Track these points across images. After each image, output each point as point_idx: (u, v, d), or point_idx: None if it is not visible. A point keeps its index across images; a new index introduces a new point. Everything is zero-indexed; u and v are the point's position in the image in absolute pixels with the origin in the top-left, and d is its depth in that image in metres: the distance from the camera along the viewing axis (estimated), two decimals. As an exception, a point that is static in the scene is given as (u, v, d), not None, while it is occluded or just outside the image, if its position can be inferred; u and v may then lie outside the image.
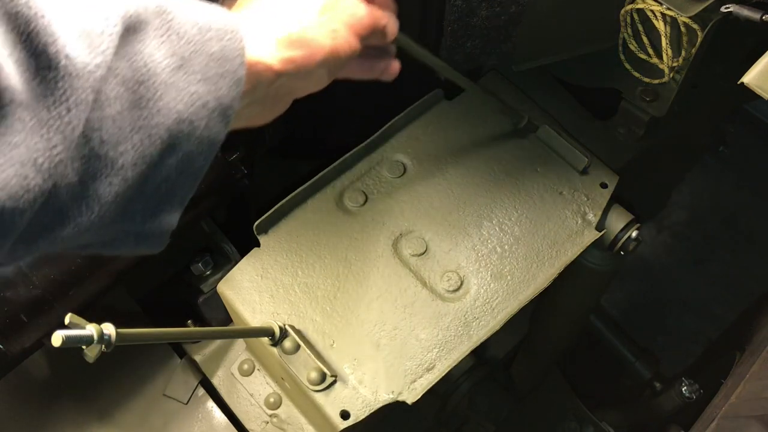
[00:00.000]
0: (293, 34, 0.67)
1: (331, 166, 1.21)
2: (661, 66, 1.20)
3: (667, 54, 1.17)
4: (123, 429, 1.30)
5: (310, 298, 1.11)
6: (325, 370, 1.03)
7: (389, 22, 0.79)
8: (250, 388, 1.32)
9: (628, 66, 1.25)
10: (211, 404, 1.32)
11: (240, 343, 1.35)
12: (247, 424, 1.30)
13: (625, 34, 1.22)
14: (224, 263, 1.40)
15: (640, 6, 1.15)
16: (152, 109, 0.52)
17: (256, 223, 1.16)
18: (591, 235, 1.18)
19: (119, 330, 0.70)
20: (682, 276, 2.37)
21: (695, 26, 1.11)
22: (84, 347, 0.67)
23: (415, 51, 0.93)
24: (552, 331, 1.63)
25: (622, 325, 2.11)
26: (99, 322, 0.69)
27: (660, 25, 1.14)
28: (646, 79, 1.25)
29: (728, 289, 2.33)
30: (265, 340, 1.06)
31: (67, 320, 0.68)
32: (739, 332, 1.72)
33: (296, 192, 1.18)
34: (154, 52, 0.53)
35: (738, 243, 2.38)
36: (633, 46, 1.21)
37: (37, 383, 1.33)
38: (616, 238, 1.22)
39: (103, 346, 0.68)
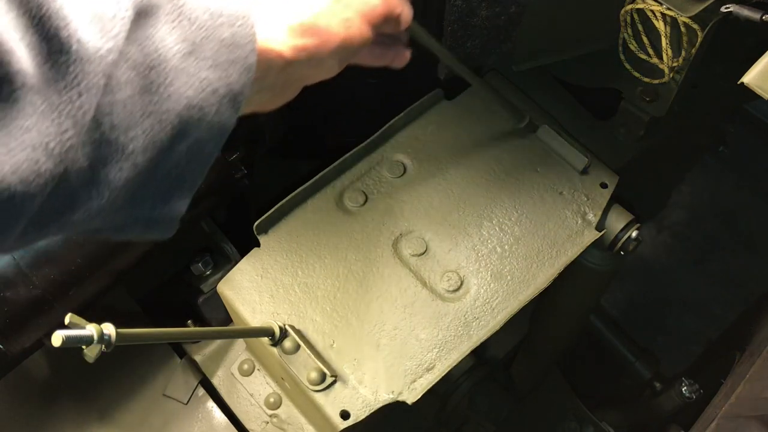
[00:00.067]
0: (306, 21, 0.66)
1: (331, 166, 1.21)
2: (661, 66, 1.20)
3: (667, 54, 1.17)
4: (123, 429, 1.30)
5: (310, 298, 1.11)
6: (325, 370, 1.03)
7: (404, 10, 0.79)
8: (250, 388, 1.32)
9: (628, 66, 1.25)
10: (211, 404, 1.32)
11: (240, 343, 1.35)
12: (247, 424, 1.30)
13: (625, 34, 1.22)
14: (224, 263, 1.40)
15: (640, 6, 1.15)
16: (163, 94, 0.52)
17: (256, 223, 1.16)
18: (591, 235, 1.18)
19: (119, 330, 0.70)
20: (682, 276, 2.37)
21: (695, 26, 1.11)
22: (84, 347, 0.67)
23: (427, 41, 0.93)
24: (552, 331, 1.63)
25: (622, 325, 2.11)
26: (99, 322, 0.69)
27: (660, 25, 1.14)
28: (646, 79, 1.25)
29: (728, 289, 2.32)
30: (265, 340, 1.06)
31: (67, 320, 0.68)
32: (739, 332, 1.72)
33: (296, 192, 1.18)
34: (166, 37, 0.53)
35: (738, 243, 2.38)
36: (633, 46, 1.21)
37: (37, 383, 1.33)
38: (616, 238, 1.22)
39: (103, 346, 0.68)
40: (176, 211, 0.61)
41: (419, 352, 1.07)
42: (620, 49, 1.25)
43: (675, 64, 1.18)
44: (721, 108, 1.83)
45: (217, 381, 1.34)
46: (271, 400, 1.29)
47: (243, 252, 1.17)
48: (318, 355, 1.06)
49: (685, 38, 1.13)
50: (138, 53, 0.51)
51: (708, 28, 1.10)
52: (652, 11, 1.14)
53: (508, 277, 1.13)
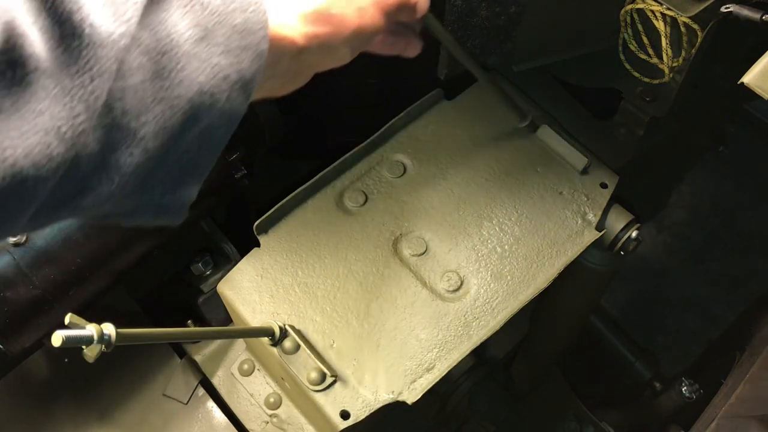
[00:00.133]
0: (319, 9, 0.66)
1: (331, 166, 1.21)
2: (661, 66, 1.20)
3: (667, 54, 1.17)
4: (123, 429, 1.30)
5: (310, 298, 1.11)
6: (325, 370, 1.03)
7: None
8: (250, 388, 1.32)
9: (628, 66, 1.25)
10: (211, 404, 1.32)
11: (240, 343, 1.35)
12: (247, 424, 1.30)
13: (625, 34, 1.22)
14: (224, 263, 1.40)
15: (640, 6, 1.15)
16: (174, 80, 0.52)
17: (256, 223, 1.16)
18: (591, 235, 1.18)
19: (119, 330, 0.70)
20: (682, 276, 2.37)
21: (695, 26, 1.11)
22: (84, 347, 0.67)
23: (440, 32, 0.93)
24: (552, 331, 1.63)
25: (622, 325, 2.11)
26: (99, 322, 0.69)
27: (660, 25, 1.14)
28: (646, 79, 1.25)
29: (728, 289, 2.32)
30: (265, 340, 1.06)
31: (67, 320, 0.68)
32: (739, 332, 1.72)
33: (296, 192, 1.18)
34: (178, 22, 0.53)
35: (738, 243, 2.38)
36: (633, 46, 1.21)
37: (37, 383, 1.33)
38: (616, 238, 1.22)
39: (103, 346, 0.68)
40: (186, 197, 0.61)
41: (419, 352, 1.07)
42: (620, 49, 1.25)
43: (675, 64, 1.18)
44: (721, 108, 1.83)
45: (217, 381, 1.34)
46: (271, 400, 1.29)
47: (243, 252, 1.17)
48: (318, 355, 1.06)
49: (685, 38, 1.13)
50: (150, 38, 0.51)
51: (708, 28, 1.10)
52: (652, 11, 1.14)
53: (508, 277, 1.13)
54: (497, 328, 1.09)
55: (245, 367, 1.32)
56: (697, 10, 1.03)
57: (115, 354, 0.72)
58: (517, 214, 1.19)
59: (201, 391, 1.32)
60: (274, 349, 1.06)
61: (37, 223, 0.52)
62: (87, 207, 0.53)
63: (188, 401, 1.32)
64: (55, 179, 0.48)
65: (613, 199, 1.22)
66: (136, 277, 1.29)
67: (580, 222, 1.19)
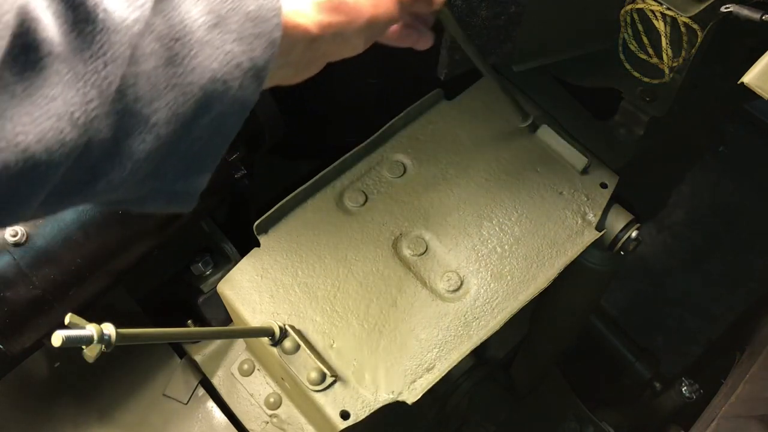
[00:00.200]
0: None
1: (331, 166, 1.21)
2: (661, 66, 1.20)
3: (667, 54, 1.17)
4: (123, 429, 1.30)
5: (310, 298, 1.11)
6: (325, 370, 1.03)
7: None
8: (250, 388, 1.32)
9: (628, 66, 1.25)
10: (211, 404, 1.32)
11: (240, 343, 1.35)
12: (247, 424, 1.30)
13: (625, 34, 1.22)
14: (224, 263, 1.40)
15: (640, 6, 1.15)
16: (187, 66, 0.52)
17: (256, 223, 1.16)
18: (591, 235, 1.18)
19: (119, 330, 0.70)
20: (682, 276, 2.37)
21: (695, 26, 1.11)
22: (84, 347, 0.67)
23: (453, 27, 0.92)
24: (552, 331, 1.63)
25: (622, 325, 2.11)
26: (99, 322, 0.69)
27: (660, 25, 1.14)
28: (646, 79, 1.25)
29: (728, 289, 2.32)
30: (265, 340, 1.06)
31: (67, 320, 0.68)
32: (739, 332, 1.72)
33: (296, 192, 1.18)
34: (191, 9, 0.52)
35: (738, 243, 2.38)
36: (633, 46, 1.21)
37: (37, 383, 1.33)
38: (616, 238, 1.22)
39: (103, 346, 0.68)
40: (197, 185, 0.61)
41: (419, 352, 1.07)
42: (620, 49, 1.25)
43: (675, 64, 1.18)
44: (721, 108, 1.83)
45: (217, 381, 1.34)
46: (271, 400, 1.29)
47: (243, 252, 1.17)
48: (318, 355, 1.06)
49: (685, 38, 1.13)
50: (163, 24, 0.51)
51: (708, 28, 1.10)
52: (652, 11, 1.14)
53: (508, 277, 1.13)
54: (497, 328, 1.09)
55: (245, 367, 1.32)
56: (697, 10, 1.03)
57: (115, 354, 0.72)
58: (517, 214, 1.19)
59: (201, 391, 1.32)
60: (274, 349, 1.06)
61: (48, 209, 0.52)
62: (99, 193, 0.53)
63: (188, 401, 1.32)
64: (67, 165, 0.48)
65: (613, 199, 1.22)
66: (136, 277, 1.29)
67: (580, 222, 1.19)
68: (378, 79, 1.62)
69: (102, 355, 0.69)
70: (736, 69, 0.90)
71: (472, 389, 1.49)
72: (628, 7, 1.17)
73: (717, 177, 2.44)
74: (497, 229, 1.18)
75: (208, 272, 1.39)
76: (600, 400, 1.96)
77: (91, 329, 0.67)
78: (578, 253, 1.16)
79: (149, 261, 1.26)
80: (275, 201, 1.17)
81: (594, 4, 1.24)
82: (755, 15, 0.96)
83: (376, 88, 1.64)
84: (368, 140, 1.24)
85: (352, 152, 1.23)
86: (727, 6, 0.99)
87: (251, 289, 1.13)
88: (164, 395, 1.32)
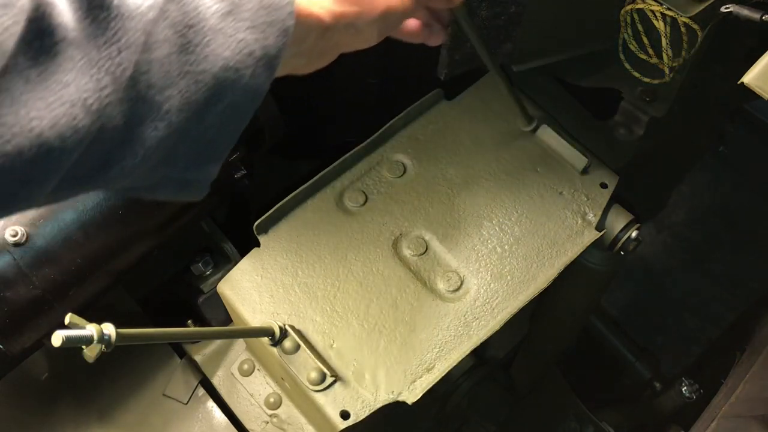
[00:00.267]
0: None
1: (331, 166, 1.21)
2: (661, 66, 1.20)
3: (667, 54, 1.17)
4: (123, 429, 1.30)
5: (310, 298, 1.11)
6: (325, 370, 1.03)
7: None
8: (250, 388, 1.32)
9: (628, 66, 1.25)
10: (211, 404, 1.32)
11: (240, 343, 1.35)
12: (247, 424, 1.30)
13: (625, 34, 1.22)
14: (224, 263, 1.40)
15: (640, 6, 1.15)
16: (199, 54, 0.52)
17: (256, 223, 1.16)
18: (591, 235, 1.18)
19: (119, 330, 0.70)
20: (682, 276, 2.37)
21: (695, 26, 1.11)
22: (84, 347, 0.67)
23: (467, 26, 0.92)
24: (552, 331, 1.63)
25: (622, 325, 2.11)
26: (99, 322, 0.69)
27: (660, 25, 1.14)
28: (646, 79, 1.25)
29: (728, 289, 2.32)
30: (265, 340, 1.06)
31: (67, 320, 0.68)
32: (739, 332, 1.72)
33: (296, 192, 1.18)
34: None
35: (738, 243, 2.38)
36: (633, 46, 1.21)
37: (37, 383, 1.33)
38: (616, 238, 1.22)
39: (103, 346, 0.68)
40: (208, 173, 0.60)
41: (419, 352, 1.07)
42: (620, 49, 1.25)
43: (675, 64, 1.18)
44: (721, 108, 1.83)
45: (217, 381, 1.34)
46: (271, 400, 1.29)
47: (243, 252, 1.17)
48: (318, 355, 1.06)
49: (685, 38, 1.13)
50: (177, 11, 0.51)
51: (708, 28, 1.10)
52: (652, 11, 1.14)
53: (508, 277, 1.13)
54: (497, 328, 1.09)
55: (245, 367, 1.32)
56: (697, 10, 1.03)
57: (115, 354, 0.72)
58: (517, 214, 1.19)
59: (201, 391, 1.32)
60: (274, 349, 1.06)
61: (60, 195, 0.52)
62: (111, 180, 0.53)
63: (188, 401, 1.32)
64: (80, 151, 0.48)
65: (613, 199, 1.22)
66: (136, 277, 1.29)
67: (580, 222, 1.19)
68: (378, 78, 1.62)
69: (102, 355, 0.69)
70: (736, 69, 0.90)
71: (472, 389, 1.49)
72: (628, 7, 1.17)
73: (717, 177, 2.44)
74: (497, 229, 1.18)
75: (208, 272, 1.39)
76: (600, 400, 1.96)
77: (91, 329, 0.67)
78: (578, 253, 1.16)
79: (149, 261, 1.26)
80: (275, 201, 1.17)
81: (594, 4, 1.24)
82: (755, 15, 0.96)
83: (376, 88, 1.63)
84: (368, 140, 1.24)
85: (352, 152, 1.23)
86: (727, 6, 0.99)
87: (251, 289, 1.13)
88: (164, 395, 1.32)
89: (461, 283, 1.13)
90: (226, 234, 1.42)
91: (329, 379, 1.04)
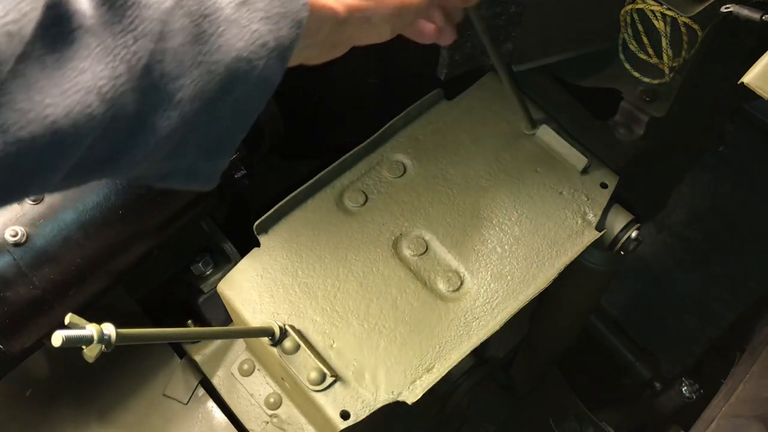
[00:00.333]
0: None
1: (331, 166, 1.21)
2: (661, 66, 1.20)
3: (667, 54, 1.17)
4: (123, 429, 1.30)
5: (310, 298, 1.11)
6: (325, 370, 1.03)
7: None
8: (250, 388, 1.32)
9: (628, 66, 1.25)
10: (211, 404, 1.32)
11: (240, 343, 1.35)
12: (247, 424, 1.30)
13: (625, 34, 1.22)
14: (224, 263, 1.40)
15: (640, 6, 1.15)
16: (213, 45, 0.52)
17: (256, 223, 1.16)
18: (591, 235, 1.18)
19: (119, 330, 0.70)
20: (682, 276, 2.37)
21: (695, 26, 1.11)
22: (84, 347, 0.67)
23: (479, 26, 0.92)
24: (552, 331, 1.63)
25: (622, 325, 2.11)
26: (99, 322, 0.69)
27: (660, 25, 1.14)
28: (646, 79, 1.25)
29: (728, 289, 2.32)
30: (265, 340, 1.06)
31: (67, 320, 0.68)
32: (739, 332, 1.72)
33: (296, 192, 1.18)
34: None
35: (738, 243, 2.38)
36: (633, 46, 1.21)
37: (37, 383, 1.33)
38: (616, 238, 1.22)
39: (103, 346, 0.68)
40: (219, 164, 0.60)
41: (419, 352, 1.07)
42: (620, 49, 1.25)
43: (675, 64, 1.18)
44: (721, 108, 1.83)
45: (217, 381, 1.34)
46: (271, 400, 1.29)
47: (243, 252, 1.17)
48: (318, 355, 1.06)
49: (685, 38, 1.13)
50: (193, 1, 0.51)
51: (708, 28, 1.10)
52: (652, 11, 1.14)
53: (508, 277, 1.13)
54: (497, 328, 1.09)
55: (245, 367, 1.32)
56: (697, 10, 1.03)
57: (115, 354, 0.72)
58: (517, 214, 1.19)
59: (201, 391, 1.32)
60: (274, 349, 1.06)
61: (71, 182, 0.52)
62: (121, 168, 0.53)
63: (188, 401, 1.31)
64: (92, 139, 0.48)
65: (613, 199, 1.22)
66: (136, 277, 1.29)
67: (580, 222, 1.19)
68: (378, 78, 1.62)
69: (102, 355, 0.69)
70: (736, 69, 0.90)
71: (472, 389, 1.48)
72: (628, 7, 1.17)
73: (717, 177, 2.44)
74: (497, 229, 1.18)
75: (208, 272, 1.39)
76: (600, 400, 1.96)
77: (91, 329, 0.67)
78: (578, 253, 1.16)
79: (149, 261, 1.26)
80: (275, 201, 1.17)
81: (594, 4, 1.24)
82: (755, 15, 0.96)
83: (376, 88, 1.63)
84: (368, 140, 1.24)
85: (352, 152, 1.23)
86: (727, 6, 0.99)
87: (251, 289, 1.13)
88: (164, 395, 1.32)
89: (461, 283, 1.13)
90: (226, 234, 1.42)
91: (329, 379, 1.04)
